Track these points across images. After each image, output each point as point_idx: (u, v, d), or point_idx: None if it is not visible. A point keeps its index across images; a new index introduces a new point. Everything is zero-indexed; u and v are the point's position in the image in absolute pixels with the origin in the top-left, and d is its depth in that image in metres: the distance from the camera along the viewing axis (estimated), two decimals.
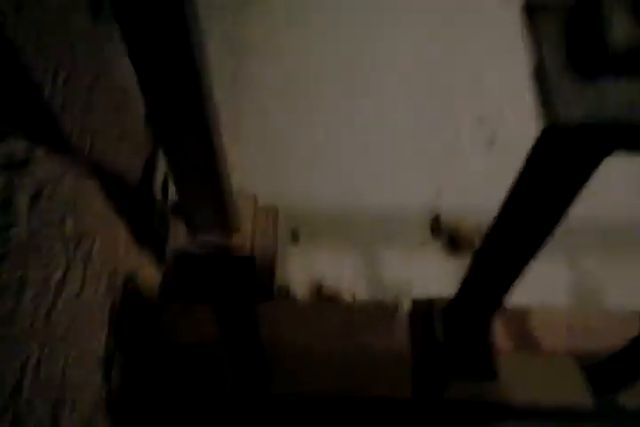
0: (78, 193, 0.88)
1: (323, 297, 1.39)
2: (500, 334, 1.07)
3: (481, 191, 1.55)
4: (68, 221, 0.84)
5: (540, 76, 0.47)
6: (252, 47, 1.75)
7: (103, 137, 0.99)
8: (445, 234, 1.46)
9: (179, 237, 0.75)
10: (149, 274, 1.19)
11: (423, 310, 0.80)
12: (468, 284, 0.68)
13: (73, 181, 0.85)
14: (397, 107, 1.67)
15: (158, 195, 1.31)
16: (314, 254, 1.49)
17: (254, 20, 1.79)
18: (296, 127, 1.64)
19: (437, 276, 1.38)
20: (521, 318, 1.12)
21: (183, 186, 0.68)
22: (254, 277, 0.75)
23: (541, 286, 1.12)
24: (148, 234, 1.20)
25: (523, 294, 0.91)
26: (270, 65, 1.72)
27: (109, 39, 1.01)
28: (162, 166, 1.31)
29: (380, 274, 1.46)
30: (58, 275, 0.80)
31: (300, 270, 1.46)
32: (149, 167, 1.26)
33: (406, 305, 1.28)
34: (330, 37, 1.77)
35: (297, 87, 1.69)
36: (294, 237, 1.50)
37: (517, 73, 1.73)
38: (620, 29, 0.39)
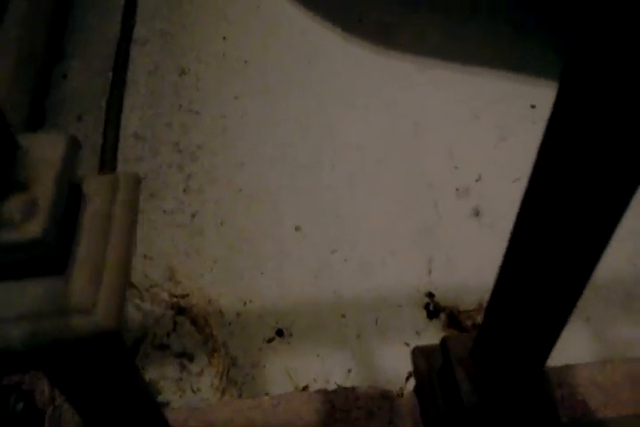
0: None
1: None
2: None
3: (474, 264, 1.41)
4: None
5: None
6: (209, 150, 1.68)
7: None
8: (445, 313, 1.29)
9: None
10: None
11: (433, 362, 0.58)
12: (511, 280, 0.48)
13: None
14: (368, 190, 1.57)
15: None
16: (300, 352, 1.30)
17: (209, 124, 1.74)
18: (261, 225, 1.52)
19: None
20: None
21: None
22: None
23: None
24: None
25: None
26: (228, 166, 1.64)
27: None
28: None
29: (378, 367, 1.27)
30: None
31: (284, 371, 1.27)
32: None
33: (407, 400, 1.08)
34: (291, 128, 1.71)
35: (256, 185, 1.60)
36: (278, 334, 1.32)
37: (486, 140, 1.67)
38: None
